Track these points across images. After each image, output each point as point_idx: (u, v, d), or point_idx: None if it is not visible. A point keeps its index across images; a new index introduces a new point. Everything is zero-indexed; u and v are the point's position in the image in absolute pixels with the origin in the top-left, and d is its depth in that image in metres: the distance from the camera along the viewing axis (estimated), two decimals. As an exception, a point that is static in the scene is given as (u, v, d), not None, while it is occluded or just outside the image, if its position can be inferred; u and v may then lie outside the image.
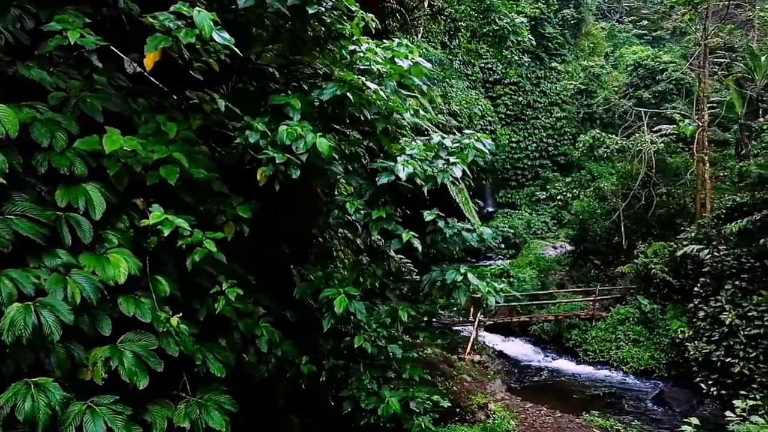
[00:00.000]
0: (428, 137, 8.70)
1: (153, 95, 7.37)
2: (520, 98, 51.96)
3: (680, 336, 19.40)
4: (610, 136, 28.79)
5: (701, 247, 20.29)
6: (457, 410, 16.26)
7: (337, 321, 7.13)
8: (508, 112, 51.91)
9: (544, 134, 51.36)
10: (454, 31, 32.51)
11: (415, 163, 7.59)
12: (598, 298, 24.21)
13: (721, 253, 19.43)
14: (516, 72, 51.95)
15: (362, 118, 7.51)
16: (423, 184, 7.60)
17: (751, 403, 10.19)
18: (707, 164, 24.86)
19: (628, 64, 48.03)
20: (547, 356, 22.69)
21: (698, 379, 18.22)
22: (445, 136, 8.58)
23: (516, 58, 43.58)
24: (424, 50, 32.85)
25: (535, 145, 51.40)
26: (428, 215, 7.78)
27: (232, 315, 6.86)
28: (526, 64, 52.47)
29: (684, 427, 8.83)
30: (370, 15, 9.54)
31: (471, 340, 21.27)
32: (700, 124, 25.25)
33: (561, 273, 29.49)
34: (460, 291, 7.51)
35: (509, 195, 50.62)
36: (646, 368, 20.10)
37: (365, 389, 7.44)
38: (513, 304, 26.38)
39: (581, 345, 22.34)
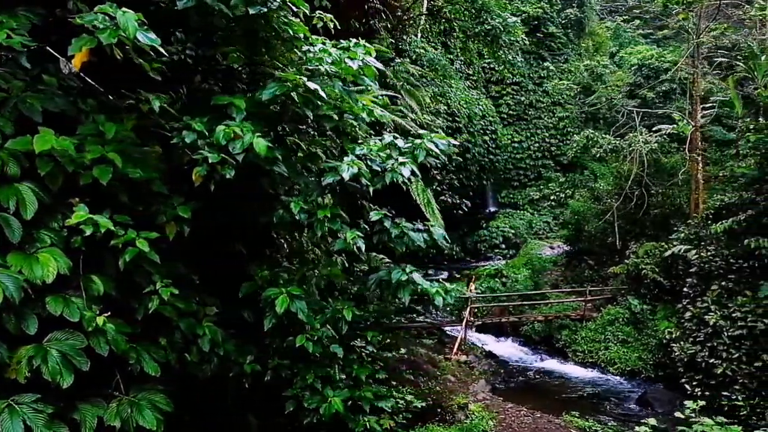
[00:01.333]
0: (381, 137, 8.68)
1: (103, 96, 7.43)
2: (522, 98, 51.83)
3: (667, 337, 19.28)
4: (603, 135, 28.67)
5: (689, 247, 20.16)
6: (438, 410, 16.26)
7: (279, 320, 7.16)
8: (510, 111, 51.80)
9: (547, 134, 51.21)
10: (450, 30, 32.53)
11: (361, 163, 7.60)
12: (589, 298, 24.09)
13: (709, 253, 19.31)
14: (518, 71, 51.89)
15: (311, 117, 7.48)
16: (368, 184, 7.61)
17: (702, 403, 10.12)
18: (700, 164, 24.73)
19: (632, 63, 47.80)
20: (536, 357, 22.60)
21: (683, 380, 18.09)
22: (397, 136, 8.57)
23: (512, 57, 43.42)
24: (422, 50, 32.88)
25: (537, 145, 51.27)
26: (375, 215, 7.80)
27: (173, 315, 6.88)
28: (529, 64, 52.51)
29: (638, 428, 8.80)
30: (329, 15, 9.59)
31: (458, 340, 21.23)
32: (693, 123, 25.12)
33: (556, 273, 29.36)
34: (405, 290, 7.51)
35: (512, 195, 50.50)
36: (633, 369, 19.99)
37: (309, 388, 7.45)
38: (506, 304, 26.34)
39: (570, 346, 22.24)
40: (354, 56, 8.23)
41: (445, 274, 37.45)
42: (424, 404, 14.29)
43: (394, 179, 7.90)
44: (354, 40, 9.15)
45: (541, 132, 51.70)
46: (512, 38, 25.90)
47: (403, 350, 19.66)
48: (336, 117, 7.99)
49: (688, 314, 18.83)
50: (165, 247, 7.07)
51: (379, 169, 8.06)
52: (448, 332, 23.90)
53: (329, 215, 7.45)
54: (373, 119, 9.16)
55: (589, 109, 46.91)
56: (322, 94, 7.19)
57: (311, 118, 7.42)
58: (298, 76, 7.13)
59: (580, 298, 24.64)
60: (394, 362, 18.65)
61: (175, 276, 7.14)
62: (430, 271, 38.64)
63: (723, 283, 18.35)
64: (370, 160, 8.12)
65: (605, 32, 59.66)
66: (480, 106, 44.23)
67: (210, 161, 6.44)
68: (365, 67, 8.22)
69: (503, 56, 31.07)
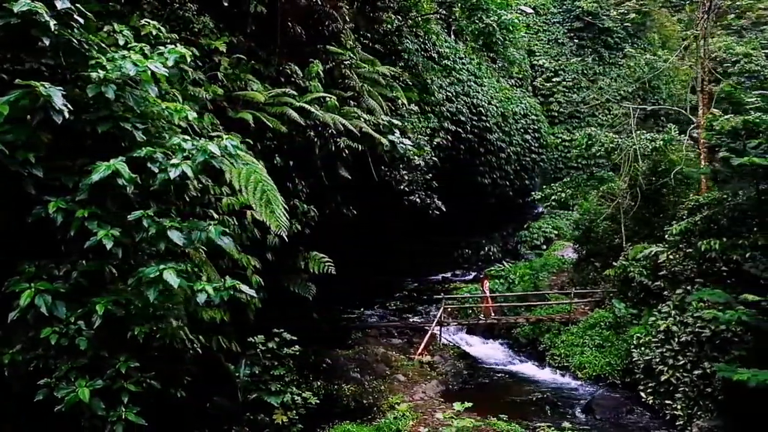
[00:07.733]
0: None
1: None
2: (574, 95, 50.66)
3: (635, 342, 18.55)
4: (606, 134, 27.82)
5: (661, 249, 19.34)
6: (374, 409, 16.44)
7: (23, 313, 7.61)
8: (561, 110, 50.77)
9: (601, 132, 49.76)
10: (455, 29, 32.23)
11: (123, 165, 7.94)
12: (574, 301, 23.49)
13: (678, 255, 18.50)
14: (570, 68, 50.81)
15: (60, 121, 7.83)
16: (125, 184, 7.96)
17: (461, 408, 9.87)
18: (703, 162, 23.65)
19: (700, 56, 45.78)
20: (514, 359, 22.20)
21: (640, 386, 17.43)
22: (188, 139, 8.88)
23: (563, 53, 42.16)
24: (453, 49, 32.80)
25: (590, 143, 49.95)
26: (134, 215, 8.11)
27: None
28: (583, 60, 51.26)
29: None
30: (154, 23, 10.02)
31: (425, 340, 21.18)
32: (699, 121, 24.05)
33: (567, 275, 28.68)
34: (153, 288, 7.81)
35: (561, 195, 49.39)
36: (599, 374, 19.32)
37: (65, 379, 7.85)
38: (502, 305, 25.96)
39: (550, 349, 21.75)
40: (141, 63, 8.61)
41: (472, 275, 37.17)
42: (318, 400, 14.52)
43: (170, 176, 8.28)
44: (171, 46, 9.56)
45: (594, 130, 50.25)
46: (510, 35, 25.46)
47: (359, 348, 19.88)
48: (109, 119, 8.42)
49: (651, 319, 18.13)
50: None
51: (157, 170, 8.43)
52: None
53: (87, 215, 7.86)
54: (183, 123, 9.53)
55: (650, 106, 45.43)
56: (57, 99, 7.57)
57: (61, 121, 7.75)
58: (38, 83, 7.56)
59: (572, 300, 24.04)
60: (345, 360, 18.91)
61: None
62: (457, 272, 38.54)
63: (688, 287, 17.54)
64: (151, 162, 8.49)
65: (675, 25, 57.25)
66: (522, 105, 43.51)
67: None
68: (142, 72, 8.59)
69: (507, 54, 30.44)
